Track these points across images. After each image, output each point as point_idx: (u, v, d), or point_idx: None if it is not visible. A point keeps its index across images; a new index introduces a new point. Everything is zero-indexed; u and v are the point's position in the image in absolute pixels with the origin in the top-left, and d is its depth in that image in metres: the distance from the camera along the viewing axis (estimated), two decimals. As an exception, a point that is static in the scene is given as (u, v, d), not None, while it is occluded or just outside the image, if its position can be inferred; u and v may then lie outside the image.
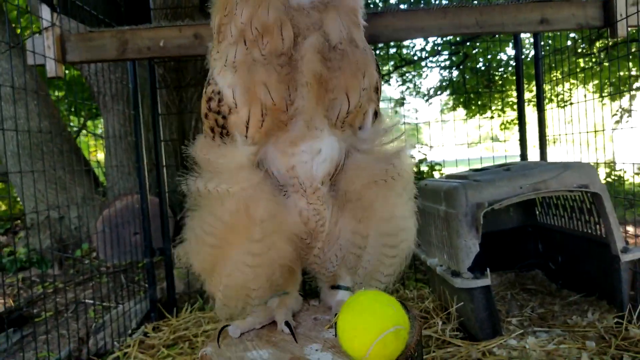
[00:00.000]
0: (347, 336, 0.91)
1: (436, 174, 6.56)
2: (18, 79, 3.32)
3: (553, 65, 3.70)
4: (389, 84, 7.53)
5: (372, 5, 6.82)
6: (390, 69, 6.93)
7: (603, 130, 3.08)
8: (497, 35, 6.55)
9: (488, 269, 2.24)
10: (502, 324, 2.33)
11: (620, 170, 6.51)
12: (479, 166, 3.14)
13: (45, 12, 2.35)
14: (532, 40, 6.56)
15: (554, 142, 3.72)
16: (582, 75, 5.48)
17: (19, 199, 5.09)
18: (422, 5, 6.80)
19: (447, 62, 7.39)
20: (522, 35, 4.74)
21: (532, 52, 6.57)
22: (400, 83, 7.85)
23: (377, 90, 1.17)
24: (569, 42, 5.15)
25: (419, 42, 7.50)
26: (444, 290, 2.56)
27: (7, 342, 2.56)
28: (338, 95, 1.04)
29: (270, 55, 0.99)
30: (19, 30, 4.92)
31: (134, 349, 2.57)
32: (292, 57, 1.00)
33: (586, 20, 2.53)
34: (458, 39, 6.93)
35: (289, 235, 1.07)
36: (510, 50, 7.17)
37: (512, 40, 4.07)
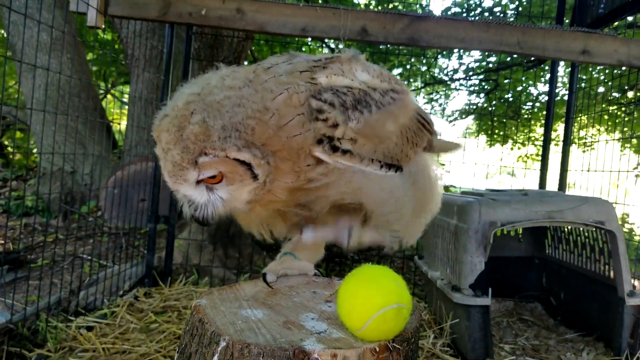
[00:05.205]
0: (346, 306, 0.88)
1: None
2: (57, 27, 3.36)
3: (580, 108, 3.69)
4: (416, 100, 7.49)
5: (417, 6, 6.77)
6: (419, 85, 6.91)
7: (627, 171, 3.04)
8: (532, 70, 6.52)
9: (490, 289, 2.20)
10: (494, 349, 2.29)
11: (633, 224, 6.41)
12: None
13: (94, -38, 2.37)
14: (565, 80, 6.54)
15: (573, 185, 3.68)
16: (610, 123, 5.43)
17: (34, 151, 5.14)
18: (463, 15, 6.75)
19: (477, 88, 7.36)
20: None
21: (562, 92, 6.54)
22: (426, 101, 7.82)
23: None
24: (601, 89, 5.10)
25: (451, 64, 7.47)
26: (440, 305, 2.52)
27: (0, 279, 2.57)
28: None
29: None
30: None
31: (122, 309, 2.57)
32: None
33: (628, 59, 2.49)
34: (491, 65, 6.90)
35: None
36: (542, 87, 7.12)
37: (548, 73, 4.02)
